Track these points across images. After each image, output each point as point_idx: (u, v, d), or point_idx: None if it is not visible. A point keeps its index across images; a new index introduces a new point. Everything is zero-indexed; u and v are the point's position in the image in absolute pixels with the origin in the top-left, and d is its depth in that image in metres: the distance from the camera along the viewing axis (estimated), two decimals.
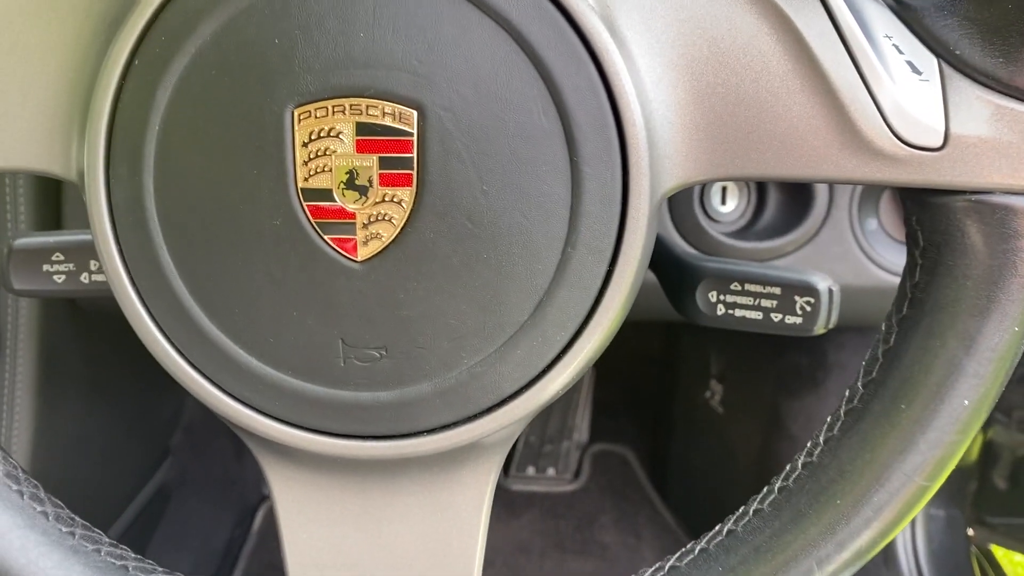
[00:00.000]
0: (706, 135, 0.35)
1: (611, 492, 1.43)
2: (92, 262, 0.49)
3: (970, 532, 1.22)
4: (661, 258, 0.53)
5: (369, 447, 0.36)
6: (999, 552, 1.23)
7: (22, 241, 0.48)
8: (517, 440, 1.63)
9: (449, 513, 0.39)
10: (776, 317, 0.47)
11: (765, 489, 0.40)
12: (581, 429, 1.48)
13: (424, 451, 0.36)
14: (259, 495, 1.38)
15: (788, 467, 0.40)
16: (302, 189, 0.33)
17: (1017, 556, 1.23)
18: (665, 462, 1.40)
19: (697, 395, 1.28)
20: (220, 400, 0.36)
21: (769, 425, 1.16)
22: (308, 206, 0.33)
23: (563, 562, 1.31)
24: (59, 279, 0.49)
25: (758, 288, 0.47)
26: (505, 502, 1.41)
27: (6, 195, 0.72)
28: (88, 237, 0.48)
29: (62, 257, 0.49)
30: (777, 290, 0.46)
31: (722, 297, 0.48)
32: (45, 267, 0.49)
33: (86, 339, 0.85)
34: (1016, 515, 1.20)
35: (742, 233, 0.72)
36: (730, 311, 0.48)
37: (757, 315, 0.47)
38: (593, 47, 0.33)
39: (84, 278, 0.49)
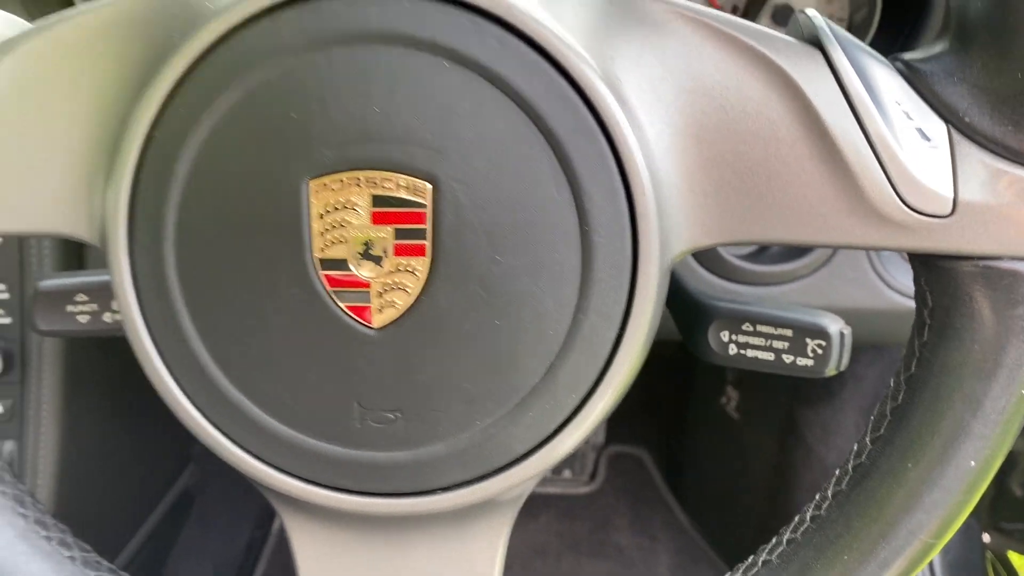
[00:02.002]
0: (715, 201, 0.35)
1: (627, 494, 1.44)
2: (113, 302, 0.50)
3: (986, 538, 1.22)
4: (674, 296, 0.54)
5: (385, 504, 0.37)
6: (1015, 558, 1.23)
7: (47, 283, 0.49)
8: None
9: (463, 566, 0.39)
10: (788, 359, 0.47)
11: (774, 540, 0.41)
12: (597, 431, 1.49)
13: (438, 508, 0.37)
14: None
15: (796, 519, 0.40)
16: (319, 259, 0.34)
17: None
18: (680, 465, 1.41)
19: (713, 400, 1.29)
20: (243, 460, 0.37)
21: (784, 433, 1.16)
22: (324, 275, 0.34)
23: (579, 564, 1.32)
24: (83, 319, 0.50)
25: (770, 330, 0.47)
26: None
27: None
28: (103, 277, 0.49)
29: (85, 298, 0.50)
30: (788, 332, 0.47)
31: (734, 337, 0.48)
32: (69, 308, 0.50)
33: (108, 355, 0.86)
34: None
35: (757, 256, 0.73)
36: (742, 351, 0.48)
37: (769, 356, 0.48)
38: (603, 118, 0.33)
39: (107, 317, 0.50)
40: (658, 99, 0.34)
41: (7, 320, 0.75)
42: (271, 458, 0.37)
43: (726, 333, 0.49)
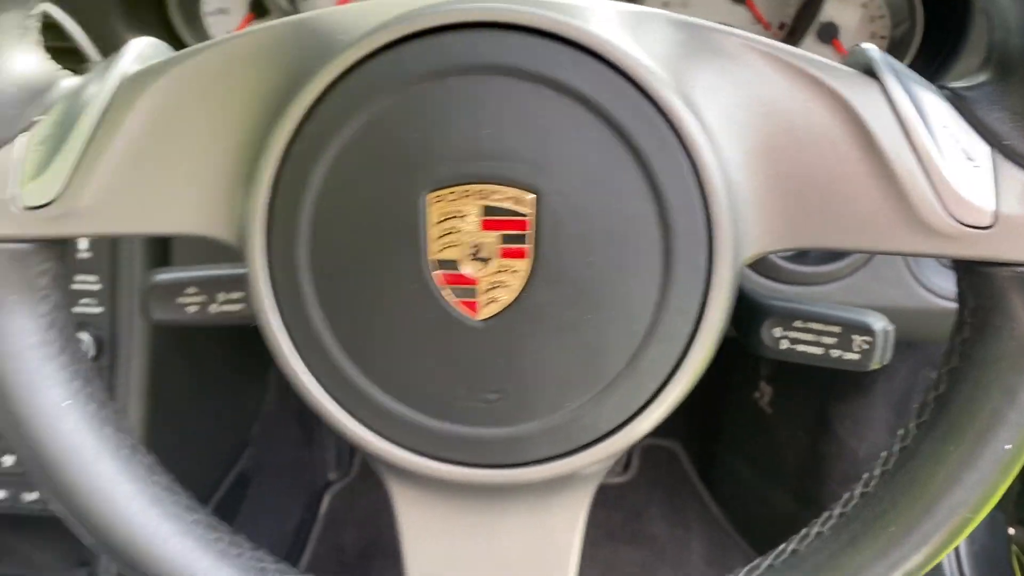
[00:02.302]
0: (781, 213, 0.40)
1: (660, 485, 1.48)
2: (219, 295, 0.55)
3: (1011, 532, 1.25)
4: None
5: (483, 474, 0.42)
6: None
7: (161, 277, 0.55)
8: None
9: (547, 531, 0.44)
10: (835, 353, 0.52)
11: (826, 514, 0.45)
12: None
13: (530, 479, 0.42)
14: (325, 480, 1.46)
15: (847, 495, 0.45)
16: (433, 260, 0.39)
17: None
18: (713, 458, 1.45)
19: (747, 395, 1.33)
20: (360, 435, 0.42)
21: (816, 427, 1.20)
22: (438, 274, 0.39)
23: (615, 551, 1.37)
24: (191, 310, 0.55)
25: (819, 327, 0.52)
26: None
27: None
28: (216, 272, 0.54)
29: (195, 291, 0.55)
30: (837, 329, 0.51)
31: (786, 333, 0.53)
32: (179, 299, 0.55)
33: (187, 347, 0.92)
34: None
35: (801, 257, 0.77)
36: (793, 346, 0.53)
37: (818, 351, 0.52)
38: (685, 139, 0.38)
39: (212, 309, 0.55)
40: (732, 122, 0.39)
41: (99, 309, 0.81)
42: (386, 432, 0.42)
43: (778, 329, 0.53)
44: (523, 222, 0.38)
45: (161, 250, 0.83)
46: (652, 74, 0.38)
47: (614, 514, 1.43)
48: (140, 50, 0.43)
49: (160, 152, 0.41)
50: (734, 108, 0.39)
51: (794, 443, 1.25)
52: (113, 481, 0.46)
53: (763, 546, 0.49)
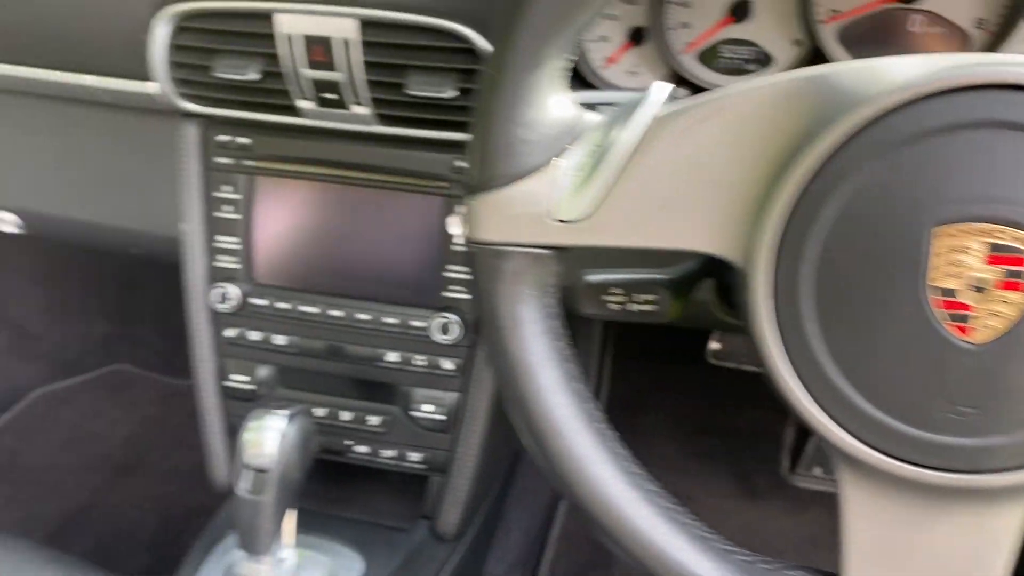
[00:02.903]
0: None
1: None
2: (636, 295, 0.63)
3: None
4: None
5: (943, 477, 0.47)
6: None
7: (591, 277, 0.63)
8: (806, 443, 1.65)
9: (985, 536, 0.49)
10: None
11: None
12: None
13: (984, 486, 0.47)
14: (553, 497, 1.53)
15: None
16: (931, 286, 0.45)
17: None
18: None
19: None
20: (835, 431, 0.48)
21: None
22: (936, 299, 0.45)
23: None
24: (613, 307, 0.63)
25: None
26: (791, 497, 1.51)
27: None
28: (635, 276, 0.62)
29: (618, 291, 0.63)
30: None
31: None
32: (603, 297, 0.63)
33: None
34: None
35: None
36: None
37: None
38: None
39: (630, 307, 0.63)
40: None
41: (469, 296, 0.91)
42: (858, 432, 0.48)
43: None
44: None
45: None
46: None
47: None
48: (663, 94, 0.51)
49: (682, 182, 0.49)
50: None
51: None
52: (591, 449, 0.54)
53: None
